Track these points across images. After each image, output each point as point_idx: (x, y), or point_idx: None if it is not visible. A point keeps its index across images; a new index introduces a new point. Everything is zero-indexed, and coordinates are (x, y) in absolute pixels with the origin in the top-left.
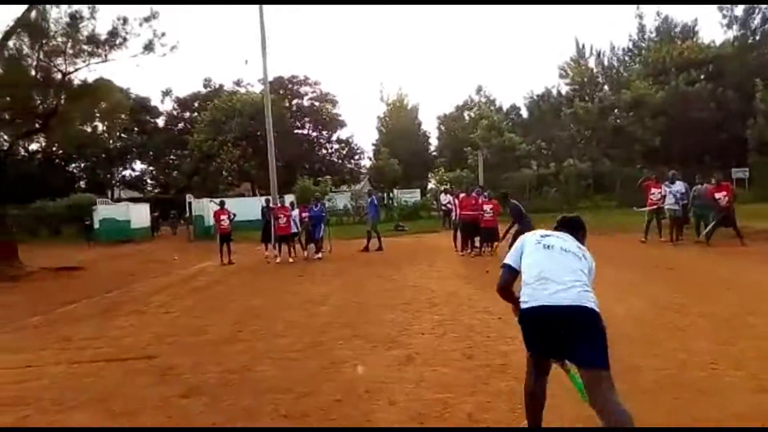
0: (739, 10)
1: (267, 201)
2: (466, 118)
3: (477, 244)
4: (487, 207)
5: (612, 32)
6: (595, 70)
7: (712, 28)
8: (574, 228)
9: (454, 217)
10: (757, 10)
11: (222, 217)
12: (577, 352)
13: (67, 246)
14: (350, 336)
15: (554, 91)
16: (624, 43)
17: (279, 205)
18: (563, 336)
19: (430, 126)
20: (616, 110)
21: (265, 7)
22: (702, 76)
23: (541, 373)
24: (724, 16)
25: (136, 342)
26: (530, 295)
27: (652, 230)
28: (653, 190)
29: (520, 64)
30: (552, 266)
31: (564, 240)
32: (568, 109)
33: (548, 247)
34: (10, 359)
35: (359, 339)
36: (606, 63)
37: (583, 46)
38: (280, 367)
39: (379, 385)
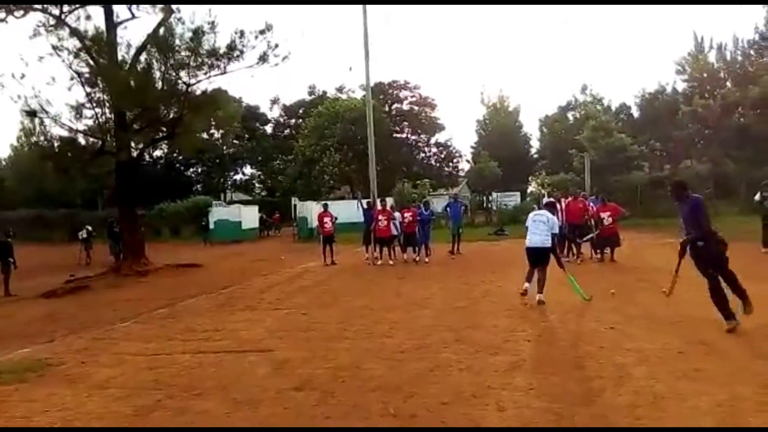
0: None
1: (368, 204)
2: (570, 118)
3: (582, 249)
4: (604, 214)
5: (735, 24)
6: (716, 65)
7: None
8: (549, 207)
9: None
10: None
11: (325, 219)
12: (539, 264)
13: (186, 245)
14: (453, 340)
15: (669, 89)
16: (749, 35)
17: (380, 207)
18: (536, 257)
19: (531, 128)
20: (740, 108)
21: (368, 8)
22: None
23: (533, 271)
24: None
25: (251, 335)
26: (527, 239)
27: None
28: None
29: (629, 61)
30: (532, 226)
31: (540, 214)
32: (687, 106)
33: (533, 218)
34: (143, 347)
35: (463, 343)
36: (729, 57)
37: (702, 39)
38: (386, 366)
39: (486, 390)
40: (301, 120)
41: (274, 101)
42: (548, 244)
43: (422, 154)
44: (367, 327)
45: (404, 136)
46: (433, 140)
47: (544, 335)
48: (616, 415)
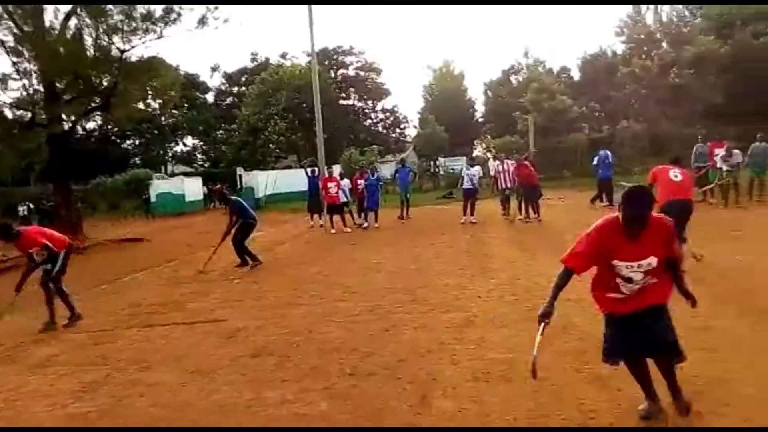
0: None
1: (313, 171)
2: (514, 82)
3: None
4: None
5: None
6: (653, 27)
7: None
8: (475, 163)
9: (501, 185)
10: None
11: (330, 184)
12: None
13: (127, 220)
14: (408, 300)
15: (609, 51)
16: None
17: (327, 175)
18: (468, 195)
19: (476, 92)
20: (676, 68)
21: None
22: None
23: (467, 205)
24: None
25: (202, 307)
26: (463, 185)
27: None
28: (716, 150)
29: (569, 25)
30: (466, 177)
31: (469, 168)
32: (625, 67)
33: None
34: (86, 324)
35: (417, 303)
36: (665, 19)
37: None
38: (342, 328)
39: (440, 345)
40: (244, 88)
41: (215, 69)
42: (474, 186)
43: (369, 121)
44: (320, 292)
45: (351, 102)
46: (379, 106)
47: (494, 291)
48: (563, 361)
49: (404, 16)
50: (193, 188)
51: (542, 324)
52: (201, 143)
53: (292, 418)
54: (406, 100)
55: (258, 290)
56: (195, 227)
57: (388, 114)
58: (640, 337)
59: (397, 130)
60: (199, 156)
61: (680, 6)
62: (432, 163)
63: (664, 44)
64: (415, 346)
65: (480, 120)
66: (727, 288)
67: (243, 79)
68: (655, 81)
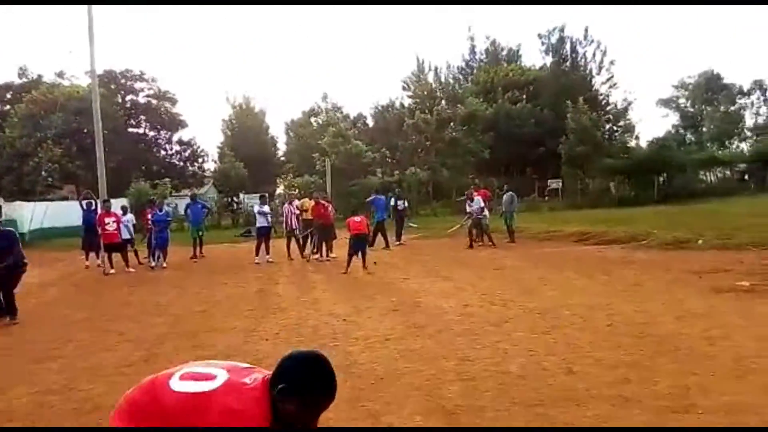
0: (554, 38)
1: (88, 204)
2: (314, 124)
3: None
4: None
5: (448, 51)
6: (433, 85)
7: (533, 53)
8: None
9: (288, 226)
10: (567, 40)
11: (107, 219)
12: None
13: None
14: (190, 346)
15: (398, 103)
16: (459, 62)
17: (104, 210)
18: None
19: (278, 131)
20: (452, 123)
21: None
22: (524, 96)
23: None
24: (543, 44)
25: None
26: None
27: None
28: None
29: (365, 75)
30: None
31: (262, 206)
32: (410, 120)
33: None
34: None
35: (200, 349)
36: (443, 79)
37: (423, 61)
38: (108, 383)
39: None
40: (8, 106)
41: None
42: (269, 224)
43: (163, 152)
44: (87, 342)
45: (141, 131)
46: (175, 137)
47: (282, 333)
48: (341, 401)
49: (205, 46)
50: None
51: None
52: None
53: None
54: (205, 132)
55: (7, 341)
56: None
57: (185, 146)
58: None
59: (196, 164)
60: None
61: (456, 69)
62: (232, 199)
63: (443, 102)
64: None
65: (282, 159)
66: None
67: (8, 95)
68: (435, 134)
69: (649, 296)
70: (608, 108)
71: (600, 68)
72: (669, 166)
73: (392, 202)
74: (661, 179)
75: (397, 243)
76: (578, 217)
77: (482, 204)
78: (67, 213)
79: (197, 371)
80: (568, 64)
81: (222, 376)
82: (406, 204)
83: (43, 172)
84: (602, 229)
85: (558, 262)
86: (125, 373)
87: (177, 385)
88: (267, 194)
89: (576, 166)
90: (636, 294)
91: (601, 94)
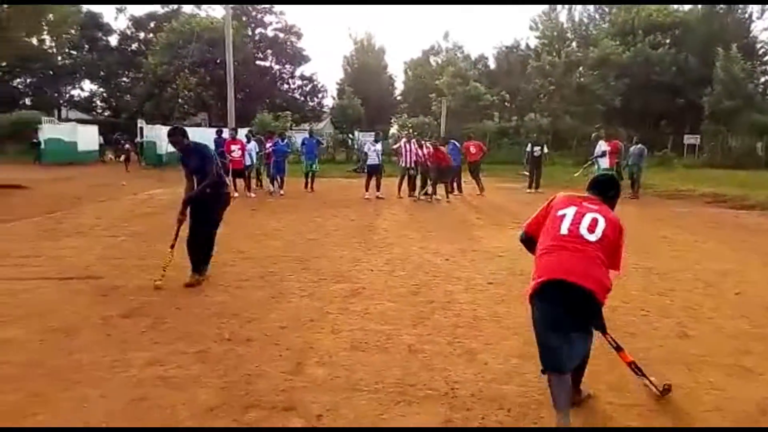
0: None
1: (219, 132)
2: (433, 63)
3: (430, 190)
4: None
5: None
6: (565, 25)
7: None
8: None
9: (403, 163)
10: None
11: (233, 147)
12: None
13: (11, 164)
14: (300, 269)
15: (523, 44)
16: None
17: (231, 138)
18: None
19: (396, 69)
20: (581, 67)
21: None
22: (667, 41)
23: (370, 180)
24: None
25: (78, 262)
26: (368, 161)
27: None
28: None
29: (490, 14)
30: (371, 153)
31: (374, 143)
32: (536, 62)
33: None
34: None
35: (308, 272)
36: (576, 19)
37: None
38: (227, 293)
39: (324, 315)
40: (151, 34)
41: (120, 10)
42: (379, 162)
43: (286, 86)
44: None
45: (268, 64)
46: (298, 72)
47: (387, 266)
48: (439, 334)
49: None
50: (88, 137)
51: None
52: (101, 90)
53: (157, 380)
54: (325, 68)
55: (143, 249)
56: (86, 179)
57: (306, 81)
58: None
59: (315, 99)
60: (98, 103)
61: (591, 8)
62: (348, 135)
63: (574, 44)
64: (299, 314)
65: (398, 98)
66: None
67: (151, 24)
68: (561, 78)
69: None
70: (766, 59)
71: (763, 12)
72: None
73: (528, 148)
74: None
75: (530, 191)
76: (715, 177)
77: (604, 149)
78: (198, 139)
79: None
80: (722, 5)
81: None
82: (545, 149)
83: (179, 99)
84: (741, 192)
85: (685, 223)
86: (242, 287)
87: None
88: (381, 132)
89: (720, 121)
90: None
91: (760, 42)
